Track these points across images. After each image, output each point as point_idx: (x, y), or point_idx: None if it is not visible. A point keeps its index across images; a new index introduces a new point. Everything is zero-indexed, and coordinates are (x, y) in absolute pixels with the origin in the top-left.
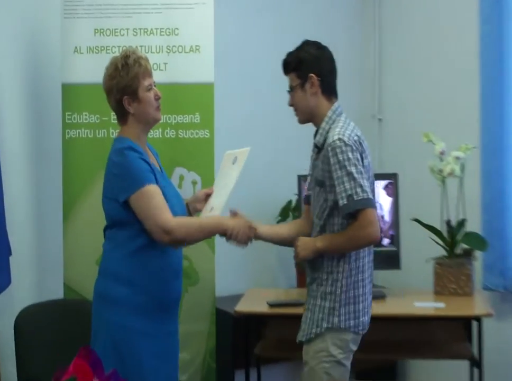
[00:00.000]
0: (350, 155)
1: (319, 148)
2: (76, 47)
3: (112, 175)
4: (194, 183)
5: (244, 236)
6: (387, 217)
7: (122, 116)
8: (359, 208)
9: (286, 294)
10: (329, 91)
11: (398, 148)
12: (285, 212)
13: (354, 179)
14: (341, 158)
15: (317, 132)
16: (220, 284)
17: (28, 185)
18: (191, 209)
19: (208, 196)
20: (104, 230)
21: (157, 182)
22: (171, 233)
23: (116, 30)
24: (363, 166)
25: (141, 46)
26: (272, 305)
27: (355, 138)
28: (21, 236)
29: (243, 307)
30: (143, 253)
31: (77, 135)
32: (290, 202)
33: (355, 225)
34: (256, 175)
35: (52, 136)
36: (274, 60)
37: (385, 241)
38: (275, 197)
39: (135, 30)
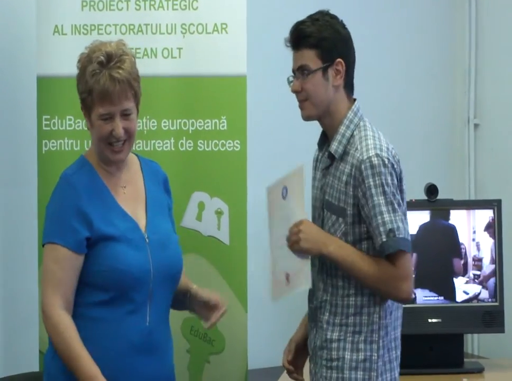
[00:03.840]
0: (389, 179)
1: (332, 161)
2: (57, 27)
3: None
4: (219, 213)
5: None
6: (486, 260)
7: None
8: (402, 249)
9: None
10: (351, 86)
11: (501, 163)
12: None
13: (395, 211)
14: (379, 182)
15: (325, 135)
16: (254, 352)
17: None
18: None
19: (212, 306)
20: None
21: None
22: (45, 322)
23: (112, 3)
24: (402, 194)
25: (146, 24)
26: None
27: (393, 153)
28: None
29: None
30: (87, 316)
31: (58, 148)
32: None
33: (392, 273)
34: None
35: (24, 149)
36: None
37: (484, 294)
38: None
39: (137, 2)
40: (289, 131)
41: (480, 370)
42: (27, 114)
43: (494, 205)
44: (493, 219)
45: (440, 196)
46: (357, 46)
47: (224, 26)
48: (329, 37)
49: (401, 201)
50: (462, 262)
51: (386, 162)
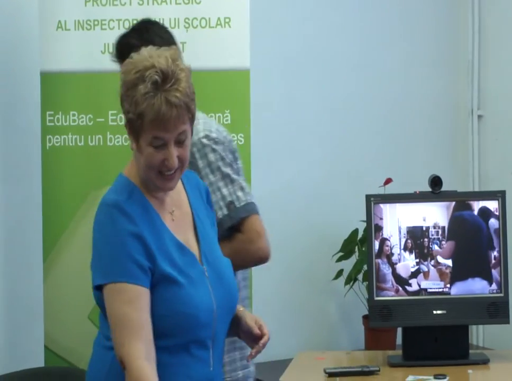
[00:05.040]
0: (218, 155)
1: None
2: (60, 22)
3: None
4: None
5: None
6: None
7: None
8: (244, 216)
9: (351, 359)
10: None
11: (505, 154)
12: (350, 246)
13: (233, 182)
14: (208, 161)
15: None
16: None
17: None
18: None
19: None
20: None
21: (158, 271)
22: (127, 373)
23: None
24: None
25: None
26: (331, 374)
27: (225, 133)
28: None
29: (291, 376)
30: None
31: (62, 143)
32: (355, 232)
33: (240, 239)
34: (308, 197)
35: (28, 145)
36: (329, 39)
37: (489, 286)
38: (335, 225)
39: None
40: (293, 125)
41: (485, 361)
42: (31, 109)
43: (499, 196)
44: (498, 210)
45: (444, 187)
46: (361, 39)
47: (227, 20)
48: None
49: (240, 170)
50: (494, 253)
51: (217, 139)
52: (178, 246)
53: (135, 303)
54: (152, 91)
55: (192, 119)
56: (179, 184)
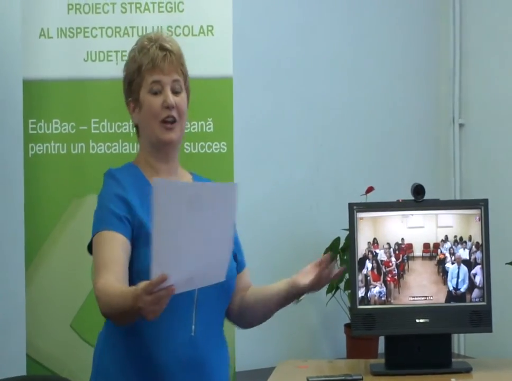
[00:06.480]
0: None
1: None
2: (43, 30)
3: None
4: None
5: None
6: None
7: (137, 129)
8: None
9: (333, 367)
10: None
11: (487, 163)
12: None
13: None
14: None
15: None
16: (242, 354)
17: None
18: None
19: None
20: None
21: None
22: (98, 303)
23: (98, 6)
24: None
25: (132, 27)
26: None
27: None
28: None
29: None
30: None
31: (44, 151)
32: (337, 240)
33: None
34: (290, 206)
35: (10, 152)
36: (312, 47)
37: (472, 294)
38: (317, 233)
39: (123, 5)
40: (275, 133)
41: (467, 370)
42: (13, 117)
43: (481, 204)
44: (480, 219)
45: (426, 196)
46: (343, 47)
47: (210, 28)
48: None
49: None
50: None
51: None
52: None
53: (108, 244)
54: (147, 44)
55: (184, 75)
56: (189, 178)
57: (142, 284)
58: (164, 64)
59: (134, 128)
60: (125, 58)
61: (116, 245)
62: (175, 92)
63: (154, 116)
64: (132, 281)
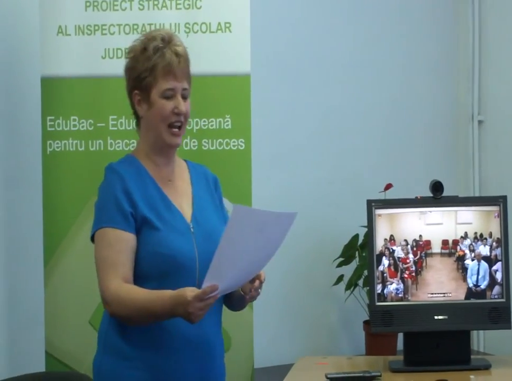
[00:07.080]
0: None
1: None
2: (60, 27)
3: None
4: None
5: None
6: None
7: (137, 118)
8: None
9: (352, 364)
10: None
11: (506, 160)
12: (350, 252)
13: None
14: None
15: None
16: (261, 351)
17: None
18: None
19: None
20: None
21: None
22: (109, 306)
23: (116, 3)
24: None
25: (150, 24)
26: (332, 379)
27: None
28: None
29: None
30: None
31: (63, 148)
32: (356, 237)
33: None
34: (308, 202)
35: (28, 150)
36: (329, 44)
37: (492, 290)
38: (335, 230)
39: (141, 2)
40: (293, 129)
41: (487, 367)
42: (32, 114)
43: (500, 201)
44: (499, 216)
45: (445, 192)
46: (363, 44)
47: (228, 25)
48: None
49: None
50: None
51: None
52: (166, 203)
53: (114, 246)
54: (162, 45)
55: (190, 80)
56: (184, 168)
57: (191, 292)
58: (179, 70)
59: (134, 116)
60: None
61: (123, 248)
62: (184, 98)
63: (163, 119)
64: (141, 267)
